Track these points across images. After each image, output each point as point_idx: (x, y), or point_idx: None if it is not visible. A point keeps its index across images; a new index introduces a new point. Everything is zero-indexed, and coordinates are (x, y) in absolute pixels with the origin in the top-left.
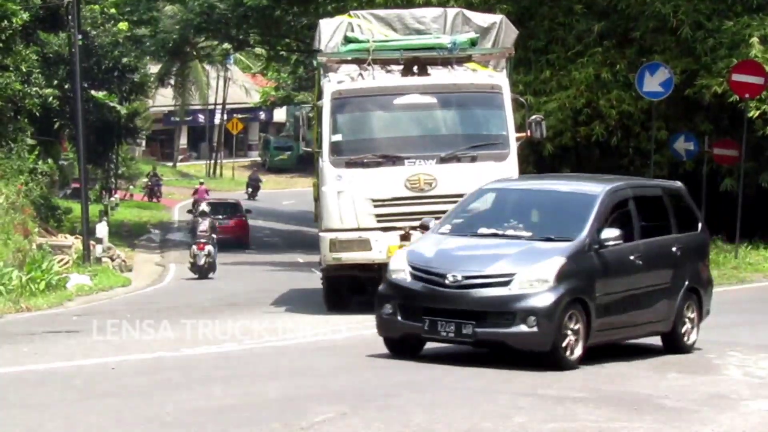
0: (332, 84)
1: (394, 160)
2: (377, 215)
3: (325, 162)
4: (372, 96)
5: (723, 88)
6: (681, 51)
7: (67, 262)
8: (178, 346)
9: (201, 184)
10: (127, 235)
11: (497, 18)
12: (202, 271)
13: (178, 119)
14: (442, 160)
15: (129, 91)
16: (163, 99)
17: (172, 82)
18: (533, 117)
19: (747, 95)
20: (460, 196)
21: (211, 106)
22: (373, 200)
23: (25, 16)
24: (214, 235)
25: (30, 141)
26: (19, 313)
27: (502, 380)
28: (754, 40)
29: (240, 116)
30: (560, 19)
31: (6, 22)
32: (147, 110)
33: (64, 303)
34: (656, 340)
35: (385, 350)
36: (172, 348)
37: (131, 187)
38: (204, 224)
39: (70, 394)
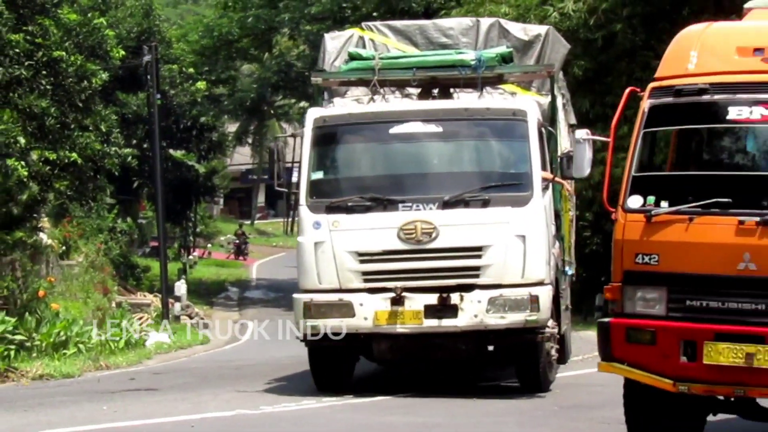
0: (317, 110)
1: (386, 204)
2: (363, 273)
3: (302, 206)
4: (362, 124)
5: None
6: None
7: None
8: (257, 404)
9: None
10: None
11: (542, 29)
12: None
13: (255, 177)
14: (446, 205)
15: (207, 150)
16: (241, 157)
17: (250, 140)
18: (565, 151)
19: None
20: (468, 249)
21: (289, 164)
22: (359, 254)
23: (105, 76)
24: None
25: (109, 200)
26: (98, 371)
27: None
28: None
29: None
30: (638, 74)
31: (86, 82)
32: (225, 168)
33: (143, 361)
34: None
35: (460, 407)
36: (251, 405)
37: (209, 245)
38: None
39: None
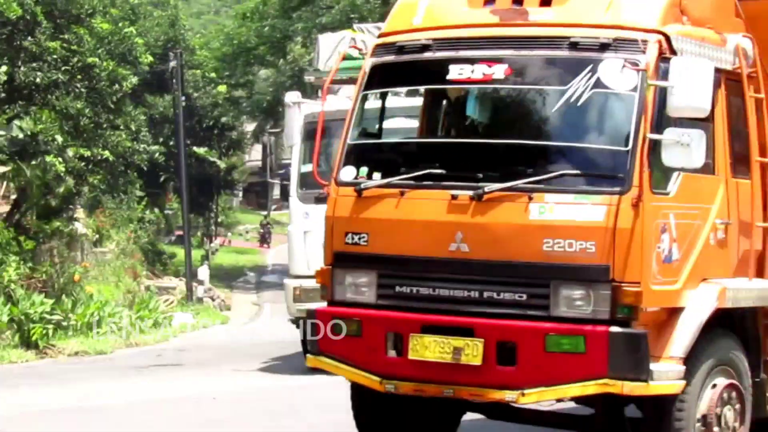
0: (310, 105)
1: None
2: None
3: (292, 197)
4: None
5: None
6: None
7: (171, 302)
8: (275, 377)
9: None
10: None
11: None
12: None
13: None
14: None
15: (227, 147)
16: (258, 154)
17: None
18: None
19: None
20: None
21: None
22: None
23: (134, 80)
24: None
25: (139, 193)
26: (128, 348)
27: None
28: None
29: None
30: None
31: (117, 85)
32: (243, 164)
33: (169, 339)
34: None
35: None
36: (270, 379)
37: (230, 234)
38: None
39: (179, 421)
